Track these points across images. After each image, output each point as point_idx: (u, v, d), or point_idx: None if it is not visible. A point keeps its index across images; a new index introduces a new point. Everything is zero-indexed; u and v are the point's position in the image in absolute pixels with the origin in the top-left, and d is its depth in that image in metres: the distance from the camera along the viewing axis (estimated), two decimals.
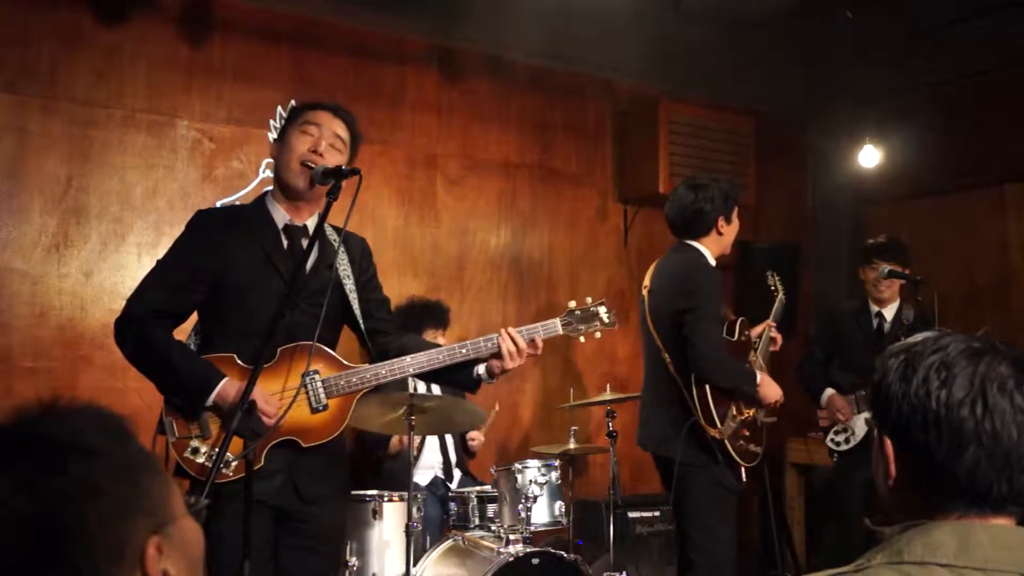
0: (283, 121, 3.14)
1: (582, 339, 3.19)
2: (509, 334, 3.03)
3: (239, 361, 2.90)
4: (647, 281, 4.15)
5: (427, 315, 4.93)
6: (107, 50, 4.74)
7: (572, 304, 3.20)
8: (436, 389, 4.91)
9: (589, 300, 3.22)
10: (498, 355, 3.02)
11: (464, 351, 3.02)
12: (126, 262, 4.69)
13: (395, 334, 3.23)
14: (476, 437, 4.97)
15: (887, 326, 4.90)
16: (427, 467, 4.87)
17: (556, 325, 3.12)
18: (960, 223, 6.17)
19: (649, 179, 6.13)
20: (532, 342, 3.04)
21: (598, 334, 3.18)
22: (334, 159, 3.01)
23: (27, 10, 4.56)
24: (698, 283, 3.94)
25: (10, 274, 4.46)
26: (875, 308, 4.97)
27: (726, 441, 3.85)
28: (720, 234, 4.09)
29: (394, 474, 4.59)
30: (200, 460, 2.84)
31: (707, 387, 3.86)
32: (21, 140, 4.53)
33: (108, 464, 1.06)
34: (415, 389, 4.70)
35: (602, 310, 3.21)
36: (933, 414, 1.34)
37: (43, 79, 4.59)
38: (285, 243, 3.02)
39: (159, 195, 4.82)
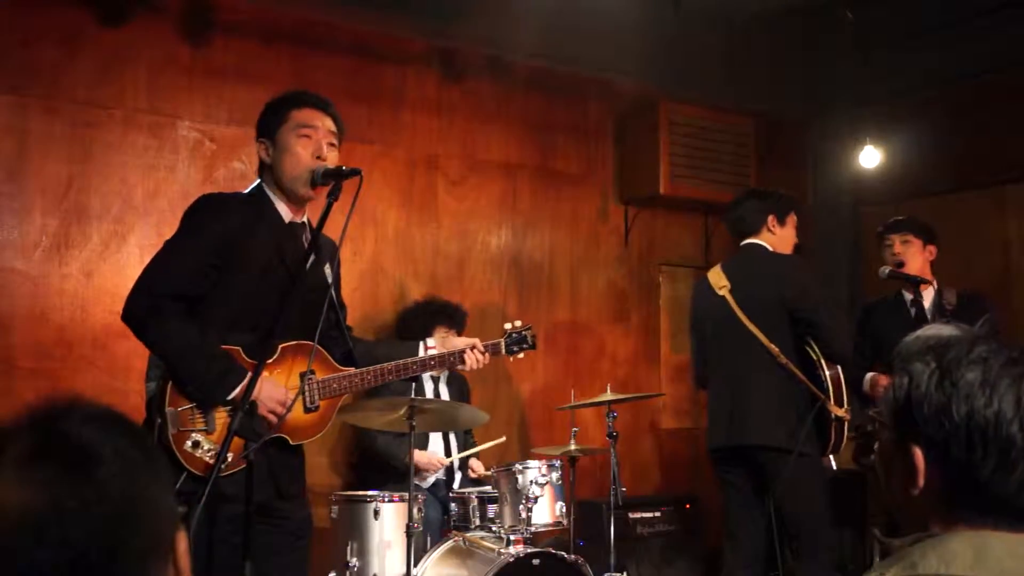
0: (268, 117, 3.09)
1: (511, 359, 3.47)
2: (477, 353, 3.32)
3: (244, 356, 2.91)
4: (722, 282, 4.36)
5: (442, 315, 4.96)
6: (108, 51, 4.73)
7: (508, 326, 3.48)
8: (445, 395, 4.91)
9: (519, 323, 3.50)
10: (460, 363, 3.30)
11: (433, 362, 3.27)
12: (127, 263, 4.69)
13: (351, 339, 3.32)
14: (477, 470, 4.96)
15: (927, 313, 4.66)
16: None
17: (501, 346, 3.42)
18: (960, 223, 6.15)
19: (650, 180, 6.14)
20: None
21: (521, 355, 3.45)
22: (334, 158, 3.03)
23: (28, 11, 4.55)
24: (802, 273, 4.32)
25: (11, 275, 4.45)
26: (909, 296, 4.74)
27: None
28: (772, 232, 4.39)
29: (395, 475, 4.58)
30: (198, 454, 2.84)
31: (839, 368, 4.15)
32: (22, 141, 4.52)
33: (140, 461, 1.06)
34: (419, 393, 4.70)
35: (529, 334, 3.48)
36: (980, 433, 1.28)
37: (44, 80, 4.58)
38: (289, 239, 3.04)
39: (160, 196, 4.82)
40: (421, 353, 3.26)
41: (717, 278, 4.39)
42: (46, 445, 1.02)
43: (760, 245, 4.38)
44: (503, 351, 3.40)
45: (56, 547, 0.97)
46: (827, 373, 4.14)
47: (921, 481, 1.34)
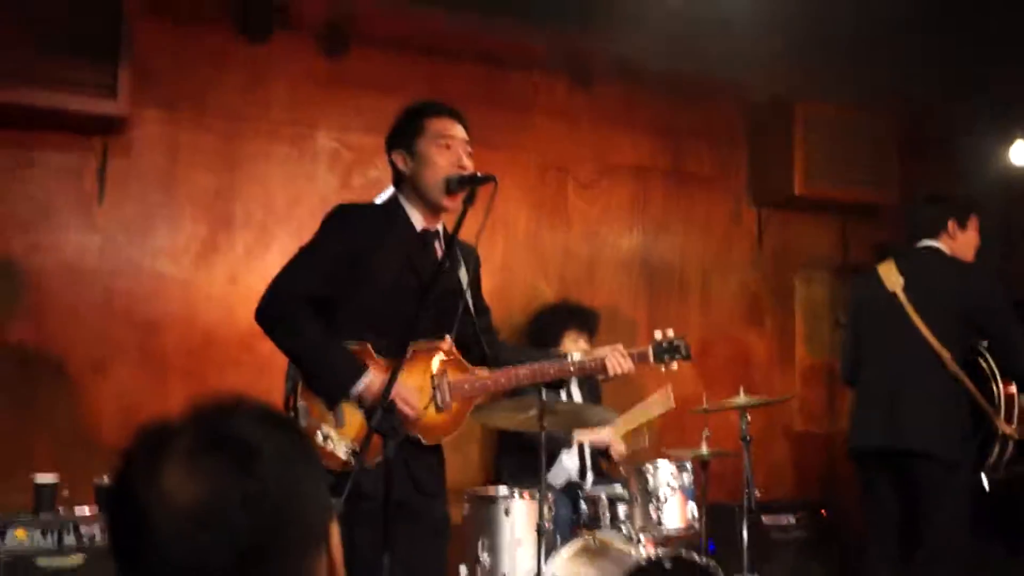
0: (403, 128, 3.19)
1: (663, 369, 3.35)
2: (619, 356, 3.23)
3: (372, 352, 3.00)
4: (895, 277, 4.24)
5: (573, 318, 5.00)
6: (252, 66, 4.97)
7: (658, 334, 3.37)
8: (577, 396, 4.93)
9: (671, 332, 3.37)
10: (601, 371, 3.23)
11: (572, 369, 3.23)
12: (270, 267, 4.82)
13: (491, 344, 3.33)
14: (615, 446, 4.95)
15: None
16: (561, 470, 4.87)
17: (648, 353, 3.33)
18: None
19: (784, 181, 6.01)
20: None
21: (675, 366, 3.36)
22: (471, 165, 3.10)
23: (179, 32, 4.84)
24: (991, 283, 4.25)
25: (163, 280, 4.72)
26: None
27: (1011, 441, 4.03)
28: (952, 238, 4.28)
29: (521, 474, 4.61)
30: (329, 448, 2.92)
31: (1015, 386, 4.07)
32: (174, 154, 4.80)
33: (297, 456, 1.11)
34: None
35: (682, 343, 3.37)
36: None
37: (194, 96, 4.85)
38: (421, 247, 3.12)
39: (300, 203, 5.01)
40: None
41: (890, 273, 4.28)
42: (212, 440, 1.07)
43: (939, 248, 4.28)
44: (651, 359, 3.34)
45: (220, 538, 1.02)
46: (1001, 388, 4.04)
47: None
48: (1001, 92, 6.39)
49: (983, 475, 4.10)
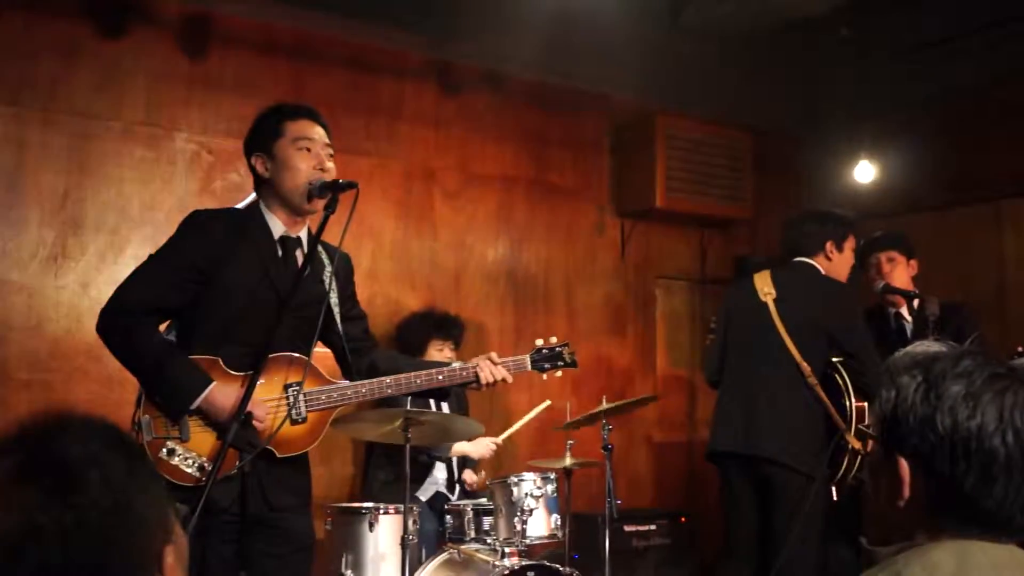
0: (261, 131, 3.07)
1: (544, 376, 3.32)
2: (491, 364, 3.14)
3: (223, 366, 2.90)
4: (768, 289, 4.34)
5: (437, 326, 5.00)
6: (106, 63, 4.76)
7: (539, 342, 3.33)
8: (445, 407, 4.89)
9: (554, 340, 3.34)
10: (473, 382, 3.15)
11: (440, 377, 3.12)
12: (123, 274, 4.56)
13: (368, 352, 3.27)
14: (471, 481, 4.96)
15: (909, 326, 4.73)
16: (431, 483, 4.86)
17: (526, 362, 3.28)
18: (956, 239, 6.18)
19: (646, 193, 6.16)
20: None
21: (559, 373, 3.32)
22: (333, 167, 3.03)
23: (27, 22, 4.58)
24: (851, 302, 4.39)
25: (6, 286, 4.47)
26: (892, 309, 4.81)
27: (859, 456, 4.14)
28: (829, 259, 4.38)
29: (392, 487, 4.56)
30: (174, 462, 2.82)
31: (866, 403, 4.14)
32: (20, 152, 4.55)
33: (127, 479, 1.06)
34: (416, 404, 4.69)
35: (566, 351, 3.34)
36: (963, 445, 1.31)
37: (43, 91, 4.61)
38: (280, 253, 3.03)
39: (157, 208, 4.82)
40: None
41: (764, 284, 4.38)
42: (30, 467, 1.03)
43: (814, 266, 4.39)
44: (528, 367, 3.27)
45: (34, 570, 0.98)
46: (853, 403, 4.18)
47: (907, 492, 1.37)
48: (849, 112, 6.70)
49: (833, 486, 4.24)
